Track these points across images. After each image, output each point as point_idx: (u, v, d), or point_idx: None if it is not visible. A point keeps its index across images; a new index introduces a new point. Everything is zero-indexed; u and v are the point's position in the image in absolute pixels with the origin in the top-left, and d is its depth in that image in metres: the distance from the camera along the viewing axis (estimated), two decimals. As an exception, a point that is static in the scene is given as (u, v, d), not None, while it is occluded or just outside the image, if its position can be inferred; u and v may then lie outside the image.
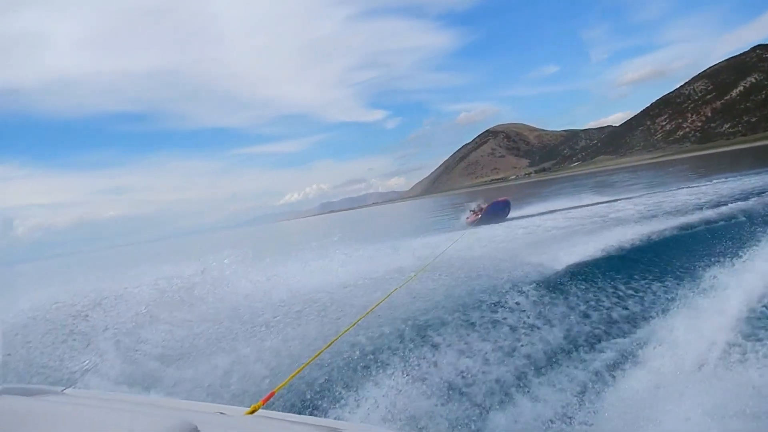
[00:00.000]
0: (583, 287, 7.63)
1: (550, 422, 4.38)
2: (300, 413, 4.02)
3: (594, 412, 4.39)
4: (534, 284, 7.63)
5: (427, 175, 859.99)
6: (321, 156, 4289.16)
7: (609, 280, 7.91)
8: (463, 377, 5.06)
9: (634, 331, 6.11)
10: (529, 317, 6.50)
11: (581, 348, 5.71)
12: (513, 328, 6.17)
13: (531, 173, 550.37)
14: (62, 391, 2.04)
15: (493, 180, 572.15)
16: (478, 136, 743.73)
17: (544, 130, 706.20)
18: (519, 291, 7.30)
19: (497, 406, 4.63)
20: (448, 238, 16.86)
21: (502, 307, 6.78)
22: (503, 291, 7.32)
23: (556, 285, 7.73)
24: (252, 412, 1.78)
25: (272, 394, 2.07)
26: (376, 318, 6.17)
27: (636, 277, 8.10)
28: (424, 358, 5.43)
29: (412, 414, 4.52)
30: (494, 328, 6.16)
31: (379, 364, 5.37)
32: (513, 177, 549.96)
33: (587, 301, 7.12)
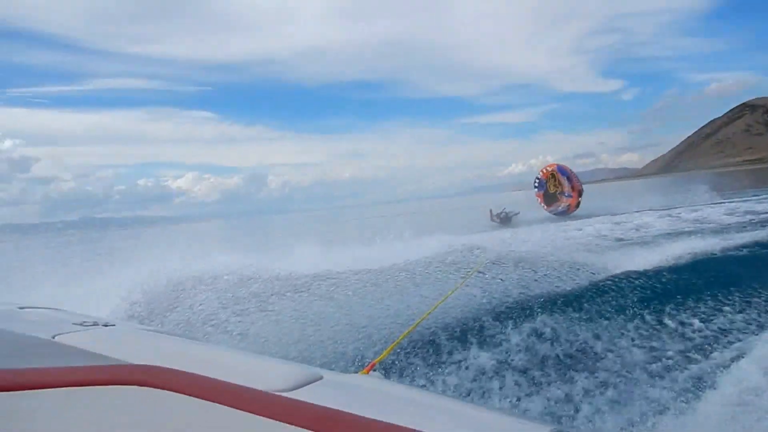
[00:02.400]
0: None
1: None
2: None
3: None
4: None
5: (665, 152, 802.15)
6: (548, 127, 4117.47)
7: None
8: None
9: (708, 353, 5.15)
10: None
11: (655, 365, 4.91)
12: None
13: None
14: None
15: (746, 161, 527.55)
16: (731, 110, 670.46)
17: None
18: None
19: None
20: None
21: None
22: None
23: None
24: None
25: (374, 364, 2.11)
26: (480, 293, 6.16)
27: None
28: (507, 344, 5.10)
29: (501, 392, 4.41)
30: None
31: (473, 339, 5.14)
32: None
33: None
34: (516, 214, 24.62)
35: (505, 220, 24.14)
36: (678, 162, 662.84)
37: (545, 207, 24.97)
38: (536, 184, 25.69)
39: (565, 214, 23.96)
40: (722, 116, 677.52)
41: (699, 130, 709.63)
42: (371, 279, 6.92)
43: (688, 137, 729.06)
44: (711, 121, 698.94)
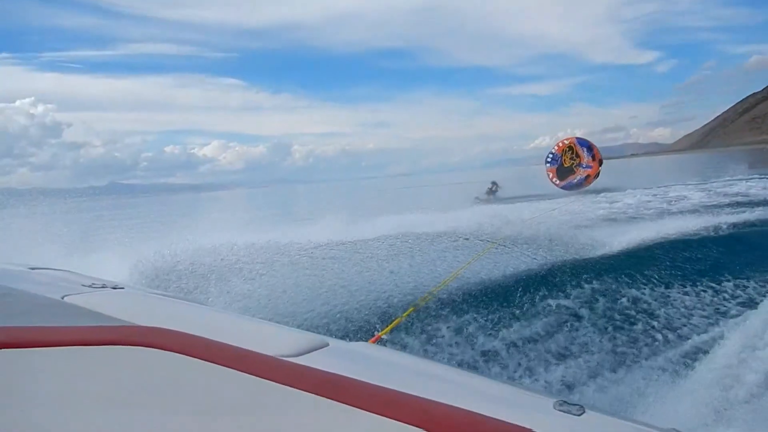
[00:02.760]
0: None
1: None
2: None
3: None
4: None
5: (698, 127, 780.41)
6: (578, 99, 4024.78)
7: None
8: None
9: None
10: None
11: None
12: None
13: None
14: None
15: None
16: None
17: None
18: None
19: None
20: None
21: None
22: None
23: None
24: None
25: (382, 334, 2.15)
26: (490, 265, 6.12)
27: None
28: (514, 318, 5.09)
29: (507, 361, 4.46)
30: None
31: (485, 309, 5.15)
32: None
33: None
34: (499, 188, 24.66)
35: (490, 193, 24.00)
36: (711, 138, 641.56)
37: (557, 182, 24.06)
38: (549, 159, 24.71)
39: (581, 186, 23.36)
40: (762, 90, 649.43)
41: (735, 105, 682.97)
42: (384, 250, 6.91)
43: (723, 112, 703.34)
44: (749, 95, 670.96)
